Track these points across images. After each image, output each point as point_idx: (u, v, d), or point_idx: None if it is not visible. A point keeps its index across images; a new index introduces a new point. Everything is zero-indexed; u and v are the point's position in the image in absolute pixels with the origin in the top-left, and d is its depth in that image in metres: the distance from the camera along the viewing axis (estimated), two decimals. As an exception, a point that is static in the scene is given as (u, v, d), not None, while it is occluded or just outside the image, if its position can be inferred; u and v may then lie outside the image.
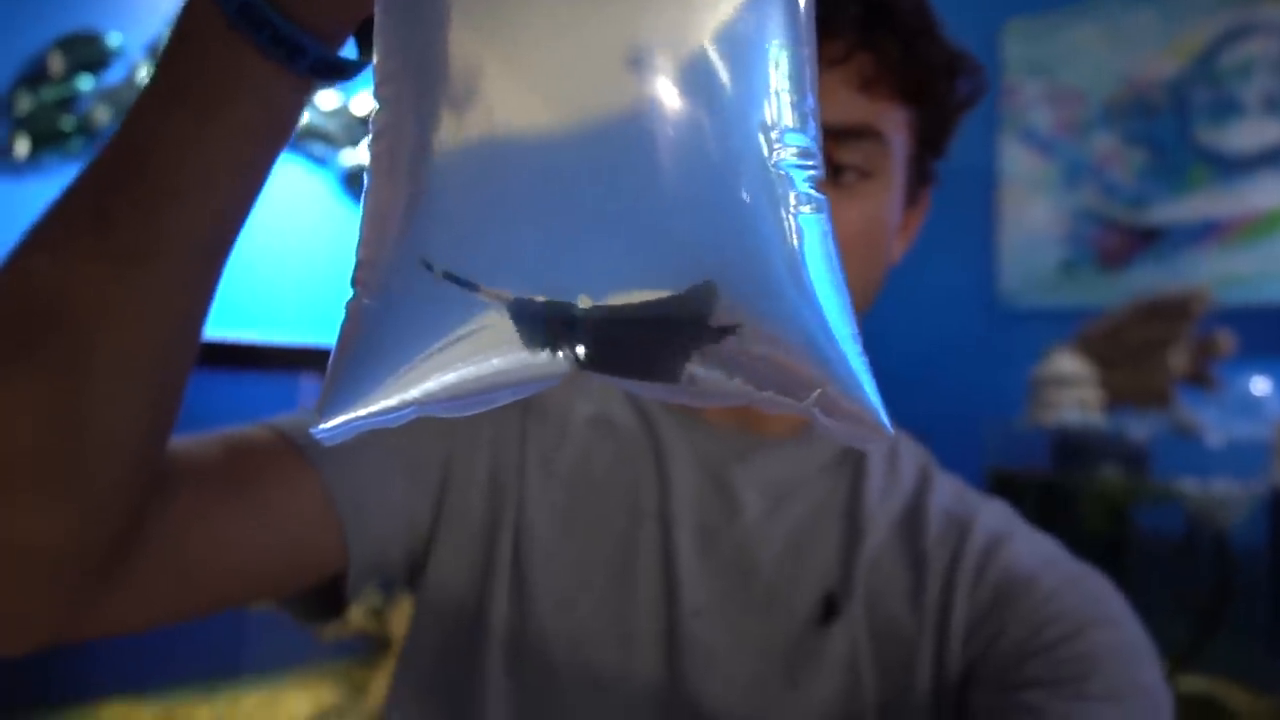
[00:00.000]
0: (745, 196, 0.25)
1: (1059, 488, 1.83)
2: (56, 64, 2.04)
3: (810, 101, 0.26)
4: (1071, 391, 1.80)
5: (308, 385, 1.81)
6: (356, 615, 1.70)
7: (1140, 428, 1.78)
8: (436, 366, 0.24)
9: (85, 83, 2.08)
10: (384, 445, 0.55)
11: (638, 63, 0.24)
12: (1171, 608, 1.67)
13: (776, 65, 0.26)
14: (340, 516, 0.51)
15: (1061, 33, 2.31)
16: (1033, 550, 0.56)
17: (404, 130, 0.25)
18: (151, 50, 2.20)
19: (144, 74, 2.15)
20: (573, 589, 0.56)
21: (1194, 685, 1.49)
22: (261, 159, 0.36)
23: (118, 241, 0.35)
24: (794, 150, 0.26)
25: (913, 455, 0.64)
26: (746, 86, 0.25)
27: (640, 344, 0.24)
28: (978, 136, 2.45)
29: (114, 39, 2.12)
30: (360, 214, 0.26)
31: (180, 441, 0.46)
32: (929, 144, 0.60)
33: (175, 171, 0.34)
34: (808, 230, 0.26)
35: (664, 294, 0.24)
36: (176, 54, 0.34)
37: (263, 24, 0.31)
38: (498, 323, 0.24)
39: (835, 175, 0.53)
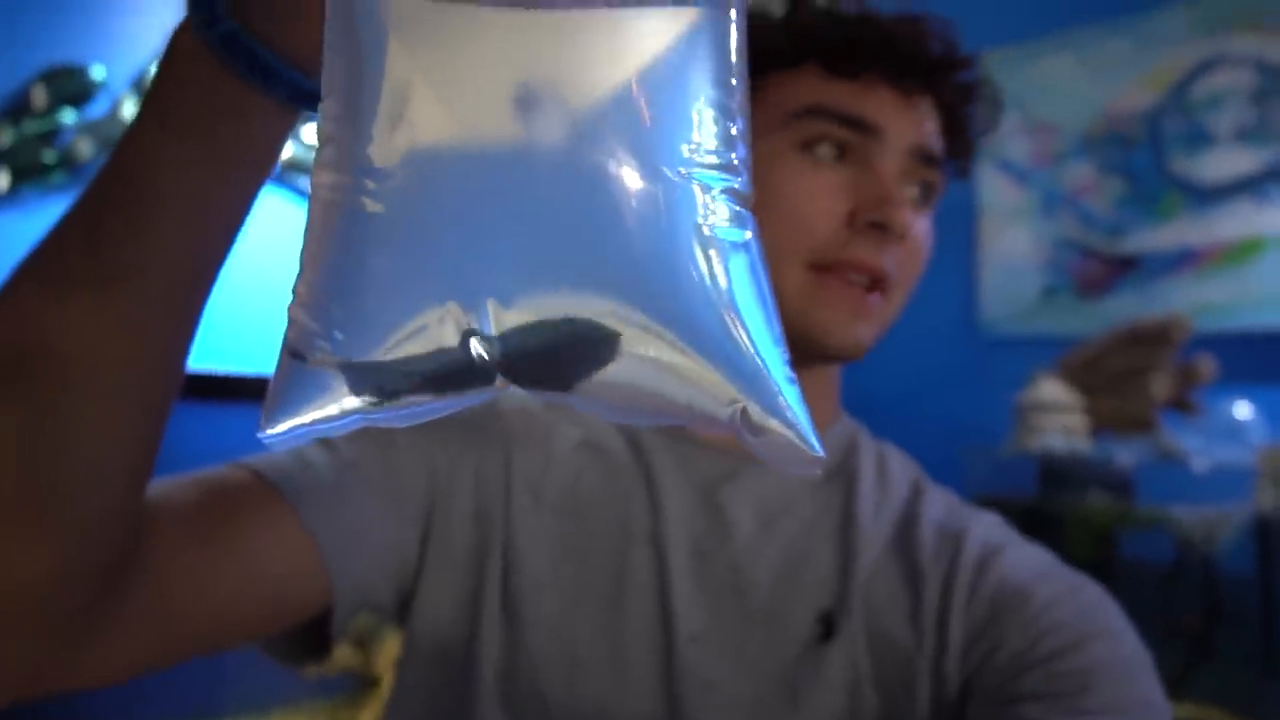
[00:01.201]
0: (651, 209, 0.25)
1: (1044, 514, 1.84)
2: (39, 97, 2.04)
3: (740, 124, 0.27)
4: (1056, 418, 1.81)
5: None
6: (341, 653, 1.67)
7: (1125, 454, 1.79)
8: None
9: (68, 116, 2.08)
10: (365, 481, 0.55)
11: (548, 92, 0.26)
12: (1160, 634, 1.67)
13: (694, 89, 0.26)
14: (323, 555, 0.50)
15: (1036, 65, 2.35)
16: (1027, 562, 0.56)
17: (337, 153, 0.26)
18: (136, 84, 2.20)
19: (128, 107, 2.14)
20: (565, 617, 0.55)
21: (1183, 712, 1.49)
22: (245, 186, 0.36)
23: (106, 264, 0.35)
24: (712, 167, 0.26)
25: (904, 469, 0.64)
26: (660, 111, 0.26)
27: (550, 361, 0.25)
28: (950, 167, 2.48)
29: (98, 72, 2.11)
30: (305, 224, 0.27)
31: (157, 485, 0.44)
32: None
33: (160, 196, 0.35)
34: (726, 245, 0.26)
35: (567, 306, 0.25)
36: (162, 81, 0.35)
37: (242, 51, 0.33)
38: (433, 335, 0.25)
39: (926, 196, 0.60)
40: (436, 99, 0.26)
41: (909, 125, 0.57)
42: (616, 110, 0.26)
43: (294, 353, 0.26)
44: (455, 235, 0.25)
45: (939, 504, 0.61)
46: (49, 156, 2.04)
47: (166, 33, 0.35)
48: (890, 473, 0.62)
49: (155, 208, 0.35)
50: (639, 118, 0.26)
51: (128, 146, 0.35)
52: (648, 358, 0.25)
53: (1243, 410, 1.74)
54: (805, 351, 0.55)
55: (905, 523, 0.59)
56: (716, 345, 0.25)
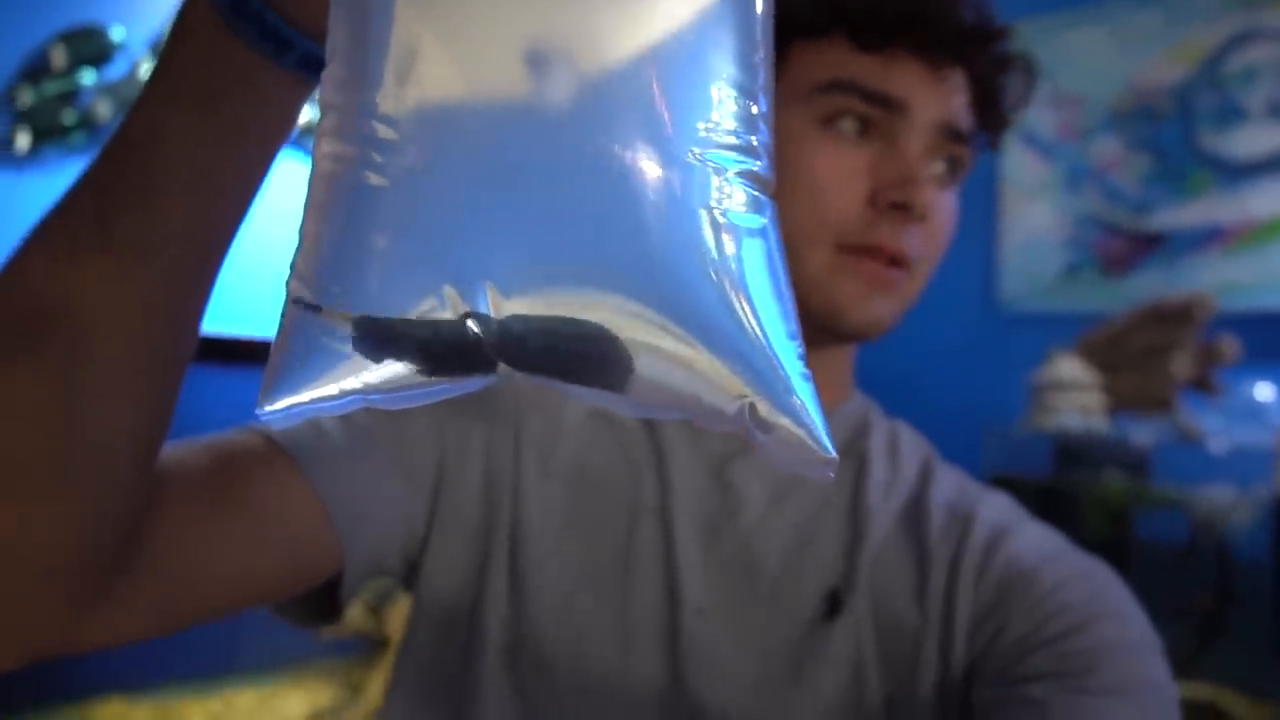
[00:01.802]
0: (661, 190, 0.24)
1: (1059, 493, 1.83)
2: (59, 58, 2.04)
3: (762, 105, 0.26)
4: (1072, 396, 1.79)
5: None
6: (353, 615, 1.69)
7: (1142, 433, 1.78)
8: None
9: (88, 77, 2.08)
10: (377, 449, 0.55)
11: (560, 58, 0.24)
12: (1173, 614, 1.66)
13: (715, 65, 0.25)
14: (334, 521, 0.50)
15: (1063, 36, 2.31)
16: (1037, 543, 0.56)
17: (340, 121, 0.25)
18: (154, 45, 2.20)
19: (146, 69, 2.14)
20: (571, 587, 0.55)
21: (1196, 692, 1.49)
22: (257, 156, 0.36)
23: (116, 235, 0.35)
24: (729, 148, 0.25)
25: (915, 448, 0.64)
26: (676, 86, 0.25)
27: (552, 354, 0.24)
28: (981, 141, 2.44)
29: (117, 33, 2.11)
30: (305, 200, 0.26)
31: (169, 450, 0.45)
32: None
33: (172, 166, 0.34)
34: (741, 231, 0.25)
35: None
36: (173, 51, 0.34)
37: (252, 18, 0.32)
38: (430, 317, 0.25)
39: (953, 172, 0.59)
40: (444, 65, 0.24)
41: (937, 101, 0.56)
42: (630, 84, 0.24)
43: (294, 331, 0.25)
44: (459, 215, 0.24)
45: (949, 484, 0.61)
46: (69, 117, 2.05)
47: None
48: (901, 452, 0.62)
49: (164, 179, 0.34)
50: (653, 93, 0.25)
51: (136, 116, 0.35)
52: (651, 347, 0.24)
53: (1264, 392, 1.72)
54: (822, 329, 0.55)
55: (914, 503, 0.59)
56: (725, 336, 0.24)
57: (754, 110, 0.26)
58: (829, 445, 0.25)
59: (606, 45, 0.24)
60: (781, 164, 0.27)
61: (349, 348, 0.25)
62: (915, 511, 0.58)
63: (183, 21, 0.34)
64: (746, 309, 0.25)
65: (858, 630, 0.54)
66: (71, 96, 2.05)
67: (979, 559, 0.54)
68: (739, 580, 0.56)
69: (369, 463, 0.54)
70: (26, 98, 2.00)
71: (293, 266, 0.26)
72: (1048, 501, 1.87)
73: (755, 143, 0.26)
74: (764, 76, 0.26)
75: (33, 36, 2.04)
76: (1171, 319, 1.77)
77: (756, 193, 0.26)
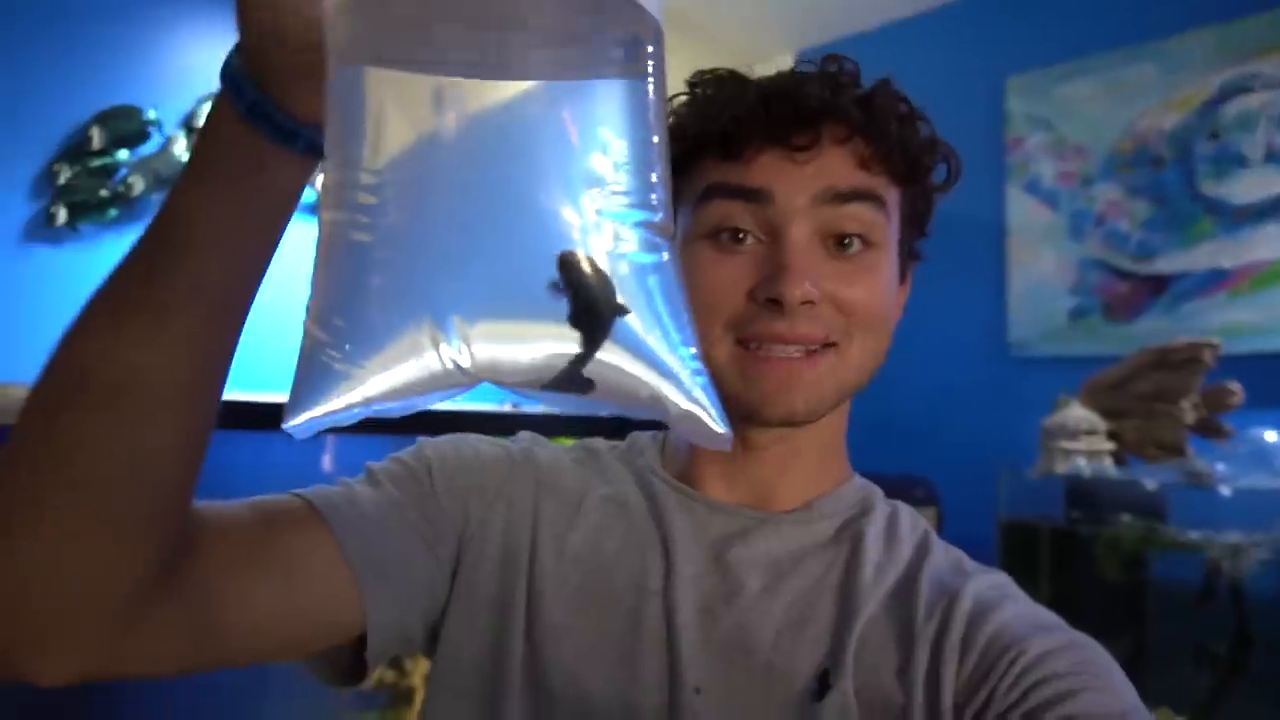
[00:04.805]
0: (579, 243, 0.32)
1: (1075, 537, 1.84)
2: (97, 137, 2.13)
3: (657, 170, 0.33)
4: (1081, 442, 1.81)
5: (330, 445, 1.85)
6: (378, 672, 1.72)
7: (1154, 478, 1.79)
8: (372, 374, 0.32)
9: (123, 154, 2.17)
10: (404, 521, 0.59)
11: (501, 139, 0.32)
12: (1191, 658, 1.66)
13: (617, 146, 0.33)
14: (360, 582, 0.55)
15: (1062, 87, 2.36)
16: (1023, 616, 0.56)
17: (335, 194, 0.32)
18: (185, 122, 2.29)
19: (179, 144, 2.24)
20: (582, 664, 0.58)
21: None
22: (272, 222, 0.44)
23: (159, 292, 0.42)
24: (632, 206, 0.33)
25: (913, 527, 0.65)
26: (588, 159, 0.32)
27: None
28: (987, 189, 2.49)
29: (151, 113, 2.21)
30: (314, 256, 0.34)
31: (217, 505, 0.52)
32: (915, 223, 0.65)
33: (205, 233, 0.42)
34: (639, 268, 0.33)
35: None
36: (203, 143, 0.43)
37: (266, 117, 0.40)
38: (413, 344, 0.31)
39: (842, 245, 0.58)
40: (407, 145, 0.32)
41: (805, 178, 0.57)
42: (554, 158, 0.32)
43: (309, 359, 0.32)
44: (429, 261, 0.31)
45: (943, 561, 0.61)
46: (105, 191, 2.14)
47: (212, 75, 0.43)
48: (899, 533, 0.63)
49: (199, 244, 0.42)
50: (571, 164, 0.32)
51: (175, 196, 0.43)
52: (594, 362, 0.32)
53: (1270, 435, 1.73)
54: (745, 419, 0.59)
55: (906, 580, 0.59)
56: (636, 350, 0.32)
57: (652, 176, 0.33)
58: (722, 423, 0.33)
59: (536, 128, 0.32)
60: (684, 268, 0.35)
61: (351, 369, 0.31)
62: (906, 589, 0.58)
63: (212, 120, 0.42)
64: (650, 327, 0.32)
65: (845, 707, 0.54)
66: (108, 172, 2.14)
67: (962, 633, 0.54)
68: (735, 660, 0.57)
69: (396, 532, 0.59)
70: (65, 174, 2.10)
71: (307, 309, 0.33)
72: (1063, 546, 1.88)
73: (653, 199, 0.33)
74: (658, 148, 0.34)
75: (72, 117, 2.13)
76: (1178, 364, 1.79)
77: (655, 237, 0.33)
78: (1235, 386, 1.75)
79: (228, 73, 0.41)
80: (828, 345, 0.58)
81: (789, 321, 0.56)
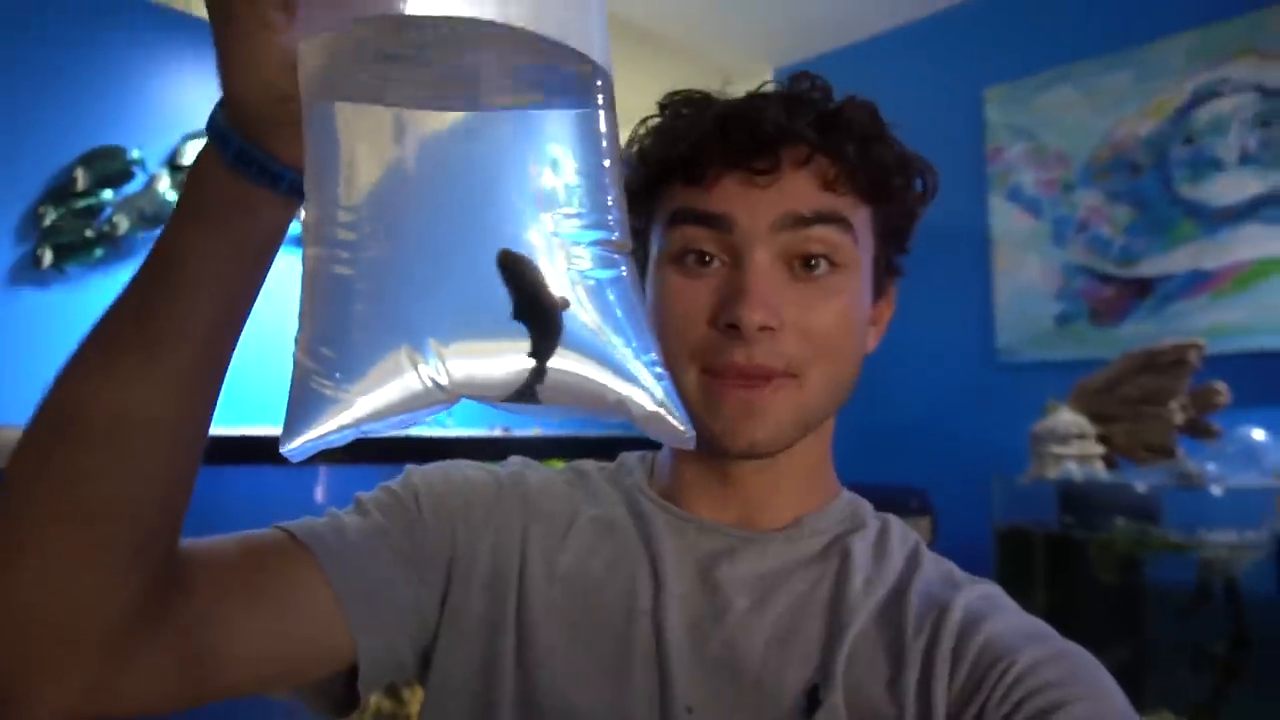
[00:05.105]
0: (540, 262, 0.34)
1: (1069, 542, 1.84)
2: (81, 178, 2.14)
3: (612, 192, 0.35)
4: (1072, 446, 1.82)
5: (321, 475, 1.85)
6: (374, 697, 1.71)
7: (1145, 480, 1.80)
8: (359, 397, 0.34)
9: (107, 194, 2.17)
10: (391, 548, 0.60)
11: (465, 171, 0.34)
12: (1189, 659, 1.66)
13: (571, 174, 0.35)
14: (347, 612, 0.55)
15: (1040, 96, 2.39)
16: (1014, 626, 0.55)
17: (316, 232, 0.34)
18: (168, 161, 2.30)
19: (163, 183, 2.24)
20: (573, 684, 0.58)
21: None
22: (259, 261, 0.45)
23: (151, 328, 0.44)
24: (589, 225, 0.35)
25: (903, 540, 0.64)
26: (544, 186, 0.34)
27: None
28: (970, 199, 2.51)
29: (134, 153, 2.21)
30: (300, 289, 0.36)
31: (203, 541, 0.52)
32: (892, 239, 0.64)
33: (194, 271, 0.43)
34: (596, 282, 0.35)
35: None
36: (191, 184, 0.44)
37: (251, 160, 0.42)
38: (394, 367, 0.33)
39: (808, 267, 0.58)
40: (378, 184, 0.34)
41: (763, 204, 0.57)
42: (513, 186, 0.34)
43: (301, 387, 0.34)
44: (405, 289, 0.34)
45: (933, 574, 0.61)
46: (90, 232, 2.14)
47: (194, 114, 0.47)
48: (889, 546, 0.63)
49: (188, 284, 0.43)
50: (528, 191, 0.34)
51: (166, 238, 0.44)
52: (559, 370, 0.34)
53: (1258, 434, 1.74)
54: (720, 454, 0.59)
55: (895, 594, 0.59)
56: (601, 357, 0.34)
57: (607, 199, 0.35)
58: (685, 423, 0.36)
59: (496, 158, 0.34)
60: (654, 290, 0.37)
61: (340, 394, 0.33)
62: (896, 602, 0.58)
63: (199, 167, 0.44)
64: (610, 338, 0.35)
65: None
66: (93, 212, 2.14)
67: (954, 644, 0.54)
68: (726, 678, 0.57)
69: (384, 560, 0.59)
70: (50, 216, 2.10)
71: (296, 340, 0.35)
72: (1057, 551, 1.89)
73: (609, 219, 0.35)
74: (610, 171, 0.36)
75: (56, 159, 2.14)
76: (1164, 365, 1.81)
77: (609, 253, 0.35)
78: (1222, 386, 1.76)
79: (213, 125, 0.42)
80: (788, 376, 0.57)
81: (747, 350, 0.56)
